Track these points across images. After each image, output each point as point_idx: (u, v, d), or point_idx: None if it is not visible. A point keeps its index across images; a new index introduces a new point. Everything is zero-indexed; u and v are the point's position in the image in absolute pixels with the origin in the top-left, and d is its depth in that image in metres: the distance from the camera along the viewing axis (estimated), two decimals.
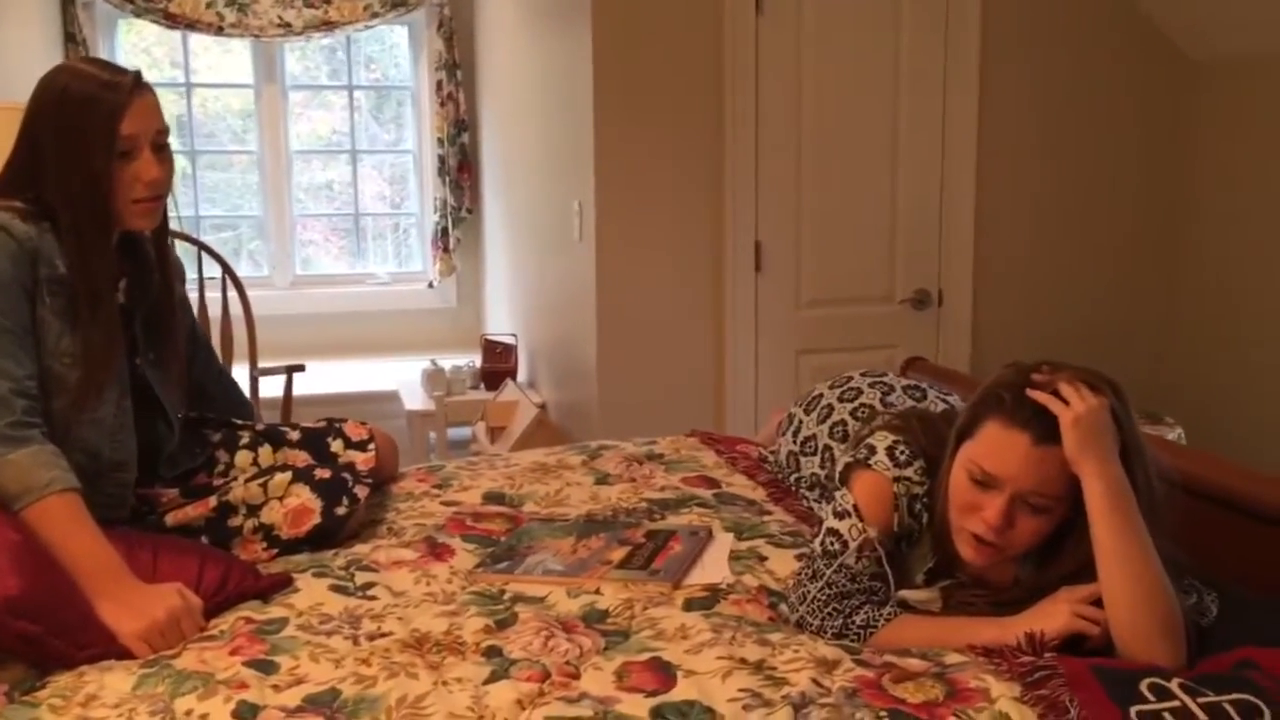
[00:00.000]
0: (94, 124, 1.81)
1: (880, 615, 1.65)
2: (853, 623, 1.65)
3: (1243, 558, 1.77)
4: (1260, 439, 3.50)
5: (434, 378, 4.51)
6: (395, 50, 5.75)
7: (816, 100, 3.60)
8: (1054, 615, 1.53)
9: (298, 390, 3.94)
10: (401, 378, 4.88)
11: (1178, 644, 1.53)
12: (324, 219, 5.73)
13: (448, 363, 4.68)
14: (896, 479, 1.72)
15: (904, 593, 1.71)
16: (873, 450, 1.77)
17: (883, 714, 1.38)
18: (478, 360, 4.76)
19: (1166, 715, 1.41)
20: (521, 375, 4.61)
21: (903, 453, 1.74)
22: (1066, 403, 1.52)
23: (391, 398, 4.66)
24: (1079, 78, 3.77)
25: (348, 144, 5.68)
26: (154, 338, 2.03)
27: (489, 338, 4.72)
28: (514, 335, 4.67)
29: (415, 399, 4.57)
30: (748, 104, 3.55)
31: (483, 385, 4.62)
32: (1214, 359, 3.71)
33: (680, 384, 3.64)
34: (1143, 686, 1.45)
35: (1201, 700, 1.42)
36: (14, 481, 1.66)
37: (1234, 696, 1.43)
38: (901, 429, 1.79)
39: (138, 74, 1.88)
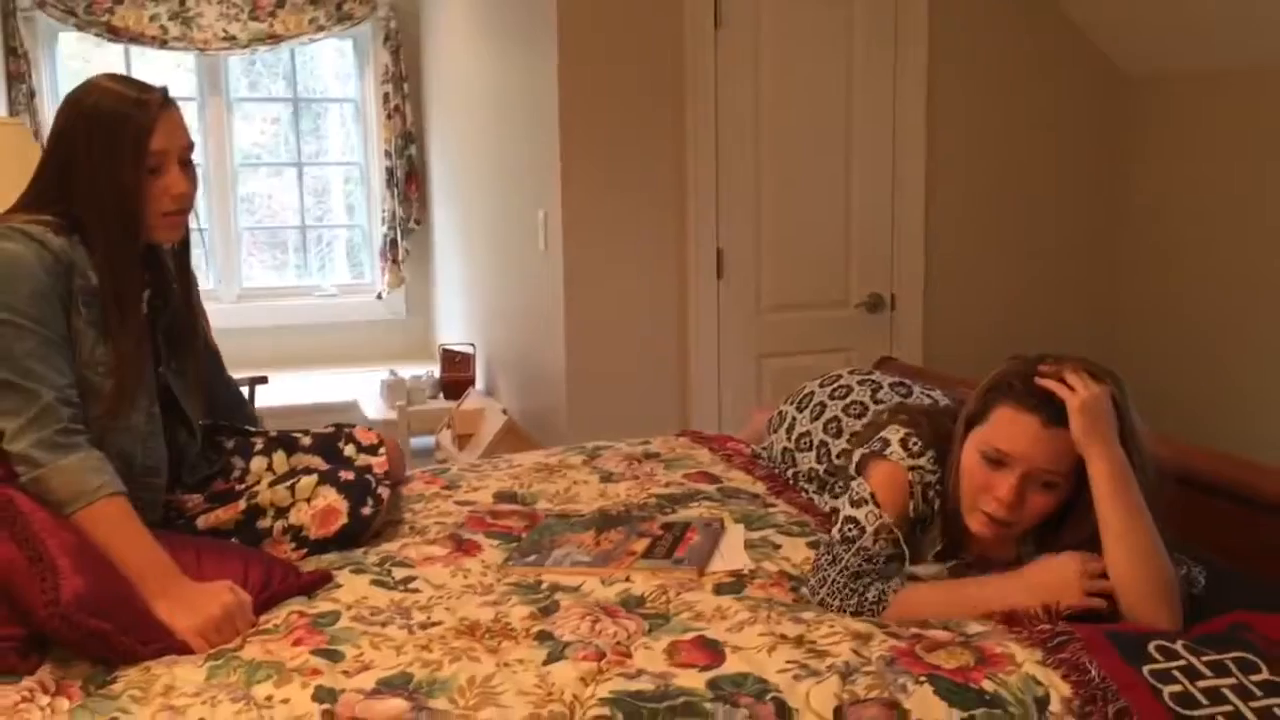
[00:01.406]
0: (125, 140, 1.85)
1: (889, 588, 1.76)
2: (866, 599, 1.76)
3: (1246, 545, 1.91)
4: (1195, 427, 3.71)
5: (394, 388, 4.55)
6: (314, 62, 5.75)
7: (773, 111, 3.73)
8: (1067, 587, 1.66)
9: (258, 403, 3.95)
10: (358, 389, 4.90)
11: (1175, 609, 1.67)
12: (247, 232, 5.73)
13: (406, 373, 4.72)
14: (911, 468, 1.84)
15: (912, 568, 1.83)
16: (887, 442, 1.89)
17: (923, 679, 1.49)
18: (435, 370, 4.81)
19: (1175, 672, 1.55)
20: (480, 384, 4.67)
21: (915, 444, 1.86)
22: (1073, 389, 1.65)
23: (350, 408, 4.68)
24: (1021, 91, 3.96)
25: (268, 158, 5.68)
26: (175, 347, 2.07)
27: (447, 347, 4.77)
28: (472, 344, 4.73)
29: (375, 409, 4.60)
30: (708, 115, 3.67)
31: (442, 395, 4.67)
32: (1152, 353, 3.92)
33: (646, 389, 3.73)
34: (1151, 648, 1.59)
35: (1205, 658, 1.57)
36: (65, 487, 1.70)
37: (1233, 654, 1.58)
38: (912, 422, 1.92)
39: (165, 91, 1.93)
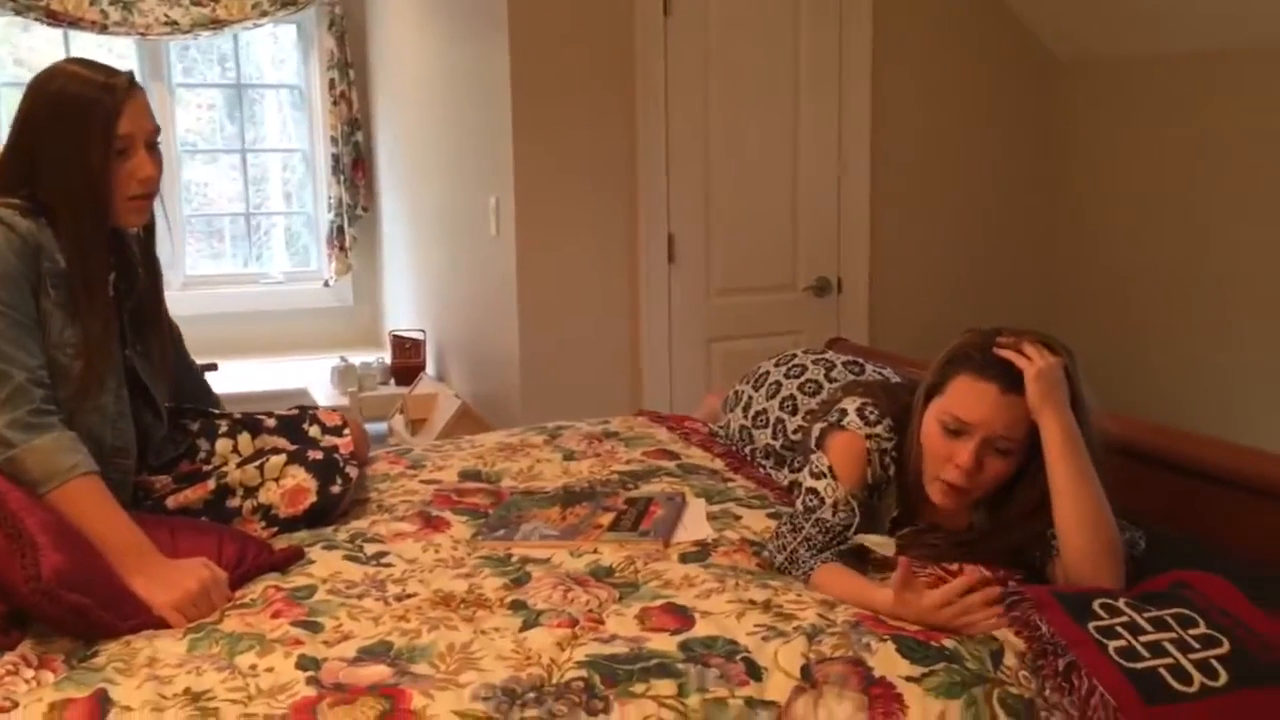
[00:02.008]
0: (93, 124, 1.87)
1: (816, 560, 1.81)
2: (811, 569, 1.82)
3: (1184, 511, 2.01)
4: (1121, 399, 3.83)
5: (345, 374, 4.56)
6: (250, 49, 5.70)
7: (722, 98, 3.79)
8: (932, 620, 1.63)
9: None
10: (308, 376, 4.90)
11: (1119, 568, 1.76)
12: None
13: (355, 359, 4.73)
14: (868, 436, 1.91)
15: (861, 536, 1.90)
16: (845, 412, 1.96)
17: (885, 638, 1.57)
18: (385, 356, 4.82)
19: (1119, 628, 1.64)
20: (430, 369, 4.69)
21: (871, 413, 1.94)
22: (1029, 359, 1.74)
23: (301, 395, 4.67)
24: (961, 78, 4.06)
25: (203, 145, 5.64)
26: (141, 330, 2.09)
27: (398, 334, 4.79)
28: (422, 330, 4.74)
29: (325, 396, 4.61)
30: (657, 102, 3.72)
31: (393, 380, 4.69)
32: (1091, 332, 4.04)
33: (598, 372, 3.78)
34: (1095, 606, 1.68)
35: (1146, 615, 1.66)
36: (39, 466, 1.71)
37: (1173, 610, 1.67)
38: (868, 393, 1.99)
39: (130, 75, 1.94)
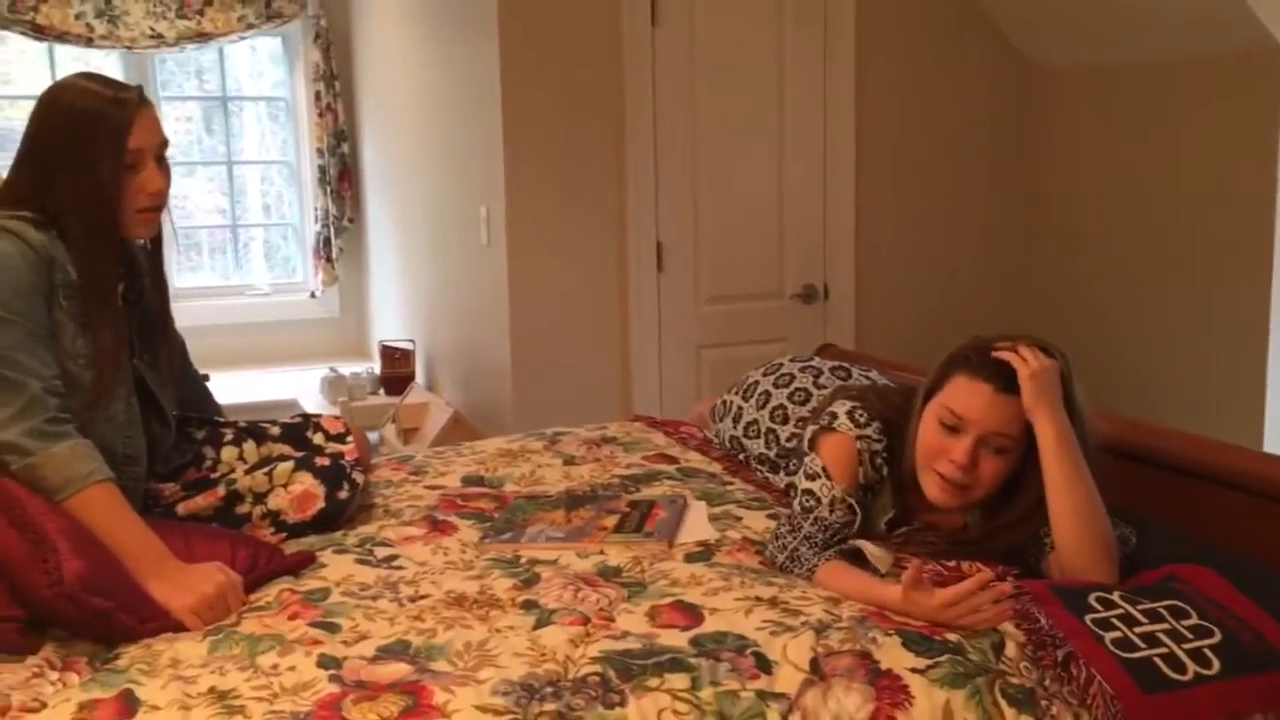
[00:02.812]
0: (102, 138, 1.90)
1: (821, 558, 1.86)
2: (816, 566, 1.86)
3: (1171, 507, 2.06)
4: (1100, 399, 3.90)
5: (335, 384, 4.58)
6: (229, 60, 5.71)
7: (710, 107, 3.84)
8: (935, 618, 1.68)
9: None
10: (297, 387, 4.91)
11: (1113, 561, 1.82)
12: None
13: (346, 370, 4.75)
14: (858, 437, 1.96)
15: (863, 543, 1.94)
16: (835, 415, 2.01)
17: (891, 632, 1.61)
18: (374, 366, 4.85)
19: (1114, 620, 1.69)
20: (420, 379, 4.72)
21: (861, 415, 1.99)
22: (1025, 360, 1.80)
23: (291, 406, 4.69)
24: (943, 86, 4.12)
25: (181, 157, 5.63)
26: (149, 339, 2.12)
27: (387, 344, 4.81)
28: (411, 341, 4.77)
29: (315, 406, 4.62)
30: (646, 111, 3.76)
31: (382, 390, 4.71)
32: (1071, 335, 4.09)
33: (589, 380, 3.82)
34: (1091, 599, 1.73)
35: (1140, 607, 1.71)
36: (57, 474, 1.74)
37: (1166, 603, 1.72)
38: (858, 396, 2.05)
39: (139, 89, 1.98)
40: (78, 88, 1.93)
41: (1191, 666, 1.61)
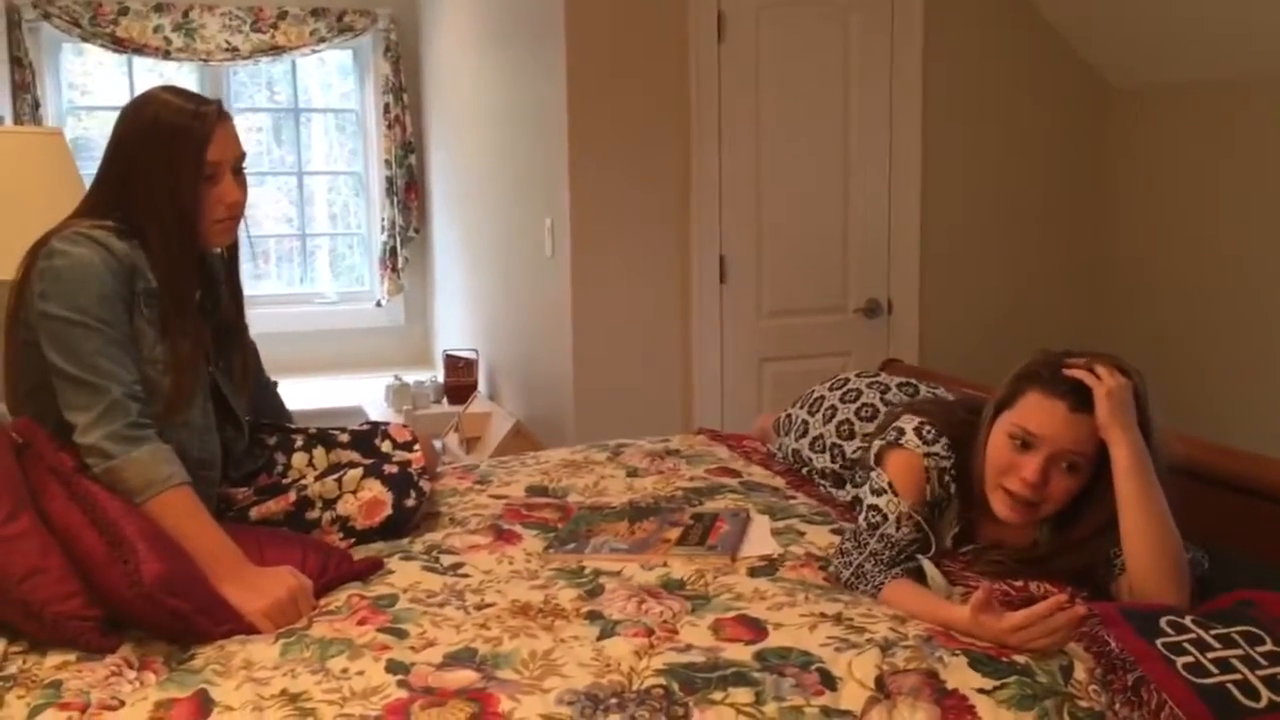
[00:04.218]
0: (183, 151, 1.95)
1: (889, 574, 1.85)
2: (882, 583, 1.85)
3: (1247, 533, 2.03)
4: (1183, 424, 3.84)
5: (399, 393, 4.64)
6: (299, 72, 5.81)
7: (774, 122, 3.85)
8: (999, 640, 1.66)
9: None
10: (362, 394, 4.98)
11: (1185, 585, 1.79)
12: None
13: (409, 378, 4.81)
14: (926, 454, 1.95)
15: (926, 562, 1.92)
16: (902, 431, 2.00)
17: (958, 652, 1.60)
18: (438, 375, 4.90)
19: (1186, 645, 1.66)
20: (482, 388, 4.76)
21: (929, 431, 1.98)
22: (1099, 378, 1.78)
23: (356, 413, 4.76)
24: (1012, 101, 4.09)
25: (251, 167, 5.72)
26: (224, 347, 2.16)
27: (451, 353, 4.86)
28: (475, 350, 4.82)
29: (379, 413, 4.68)
30: (711, 125, 3.78)
31: (445, 399, 4.76)
32: (1142, 358, 4.04)
33: (650, 392, 3.83)
34: (1162, 623, 1.70)
35: (1213, 632, 1.68)
36: (137, 477, 1.79)
37: (1240, 628, 1.69)
38: (925, 412, 2.03)
39: (219, 104, 2.02)
40: (160, 100, 1.98)
41: (1265, 693, 1.57)
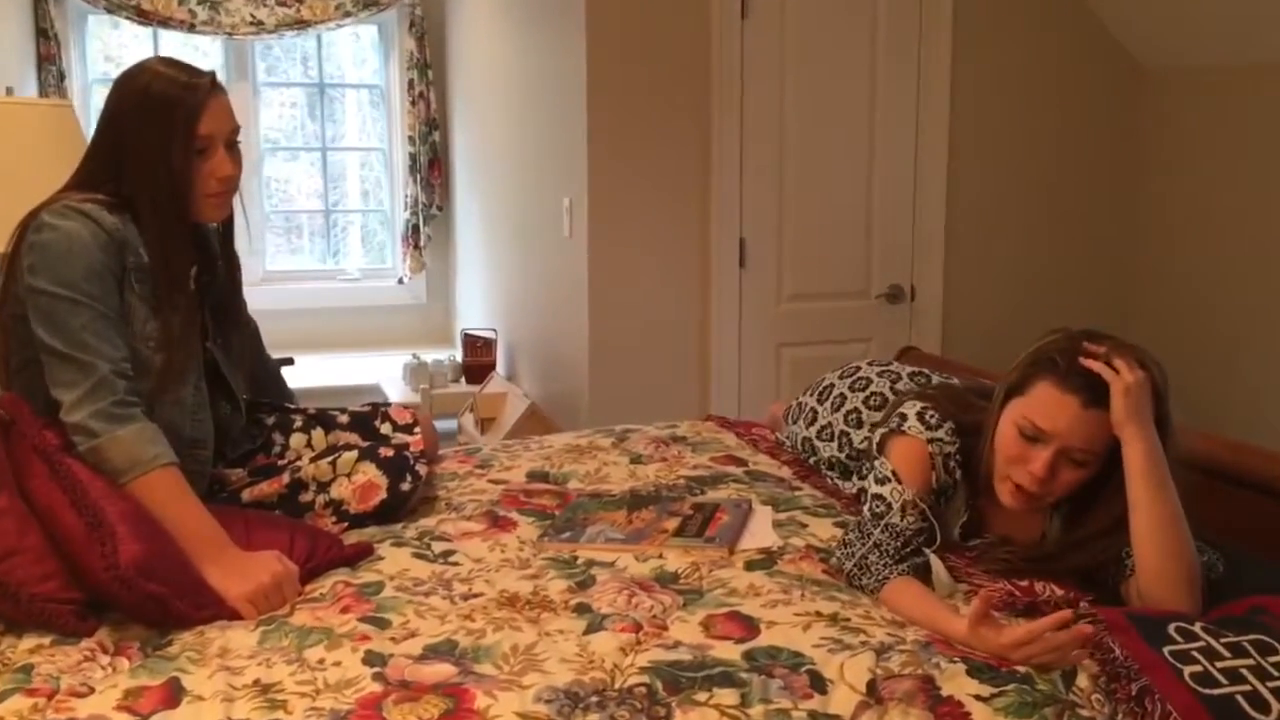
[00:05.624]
0: (174, 124, 1.91)
1: (894, 571, 1.78)
2: (885, 579, 1.79)
3: (1264, 534, 1.96)
4: (1203, 417, 3.74)
5: (417, 371, 4.61)
6: (331, 48, 5.77)
7: (798, 102, 3.77)
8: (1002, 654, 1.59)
9: None
10: (381, 372, 4.96)
11: (1197, 593, 1.72)
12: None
13: (427, 357, 4.78)
14: (930, 440, 1.89)
15: (934, 558, 1.86)
16: (904, 418, 1.94)
17: (956, 659, 1.54)
18: (456, 354, 4.87)
19: (1195, 653, 1.59)
20: (500, 369, 4.73)
21: (932, 416, 1.91)
22: (1117, 372, 1.70)
23: (374, 391, 4.74)
24: (1042, 85, 3.99)
25: (285, 142, 5.73)
26: (220, 323, 2.13)
27: (470, 332, 4.83)
28: (493, 329, 4.78)
29: (397, 392, 4.66)
30: (733, 105, 3.70)
31: (463, 379, 4.73)
32: (1170, 346, 3.95)
33: (667, 375, 3.78)
34: (1171, 630, 1.63)
35: (1223, 640, 1.61)
36: (122, 456, 1.76)
37: (1251, 637, 1.62)
38: (928, 397, 1.97)
39: (213, 75, 1.98)
40: (152, 71, 1.95)
41: (1276, 706, 1.50)
